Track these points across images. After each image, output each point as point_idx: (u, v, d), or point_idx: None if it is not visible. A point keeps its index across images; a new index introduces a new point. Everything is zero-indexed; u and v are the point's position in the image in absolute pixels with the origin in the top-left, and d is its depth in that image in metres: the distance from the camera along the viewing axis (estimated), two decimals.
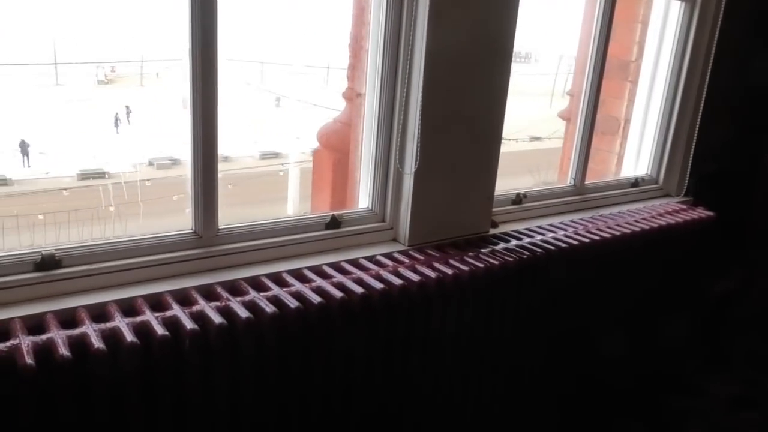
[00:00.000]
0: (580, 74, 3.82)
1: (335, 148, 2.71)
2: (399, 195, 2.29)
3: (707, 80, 3.19)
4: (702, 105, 3.23)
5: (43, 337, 1.48)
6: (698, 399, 3.32)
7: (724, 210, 3.26)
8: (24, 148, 14.51)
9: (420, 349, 2.13)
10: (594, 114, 2.91)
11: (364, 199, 2.36)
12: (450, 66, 2.18)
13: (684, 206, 3.19)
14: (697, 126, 3.27)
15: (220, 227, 1.97)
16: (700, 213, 3.10)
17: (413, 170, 2.19)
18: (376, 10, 2.19)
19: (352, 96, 2.65)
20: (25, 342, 1.45)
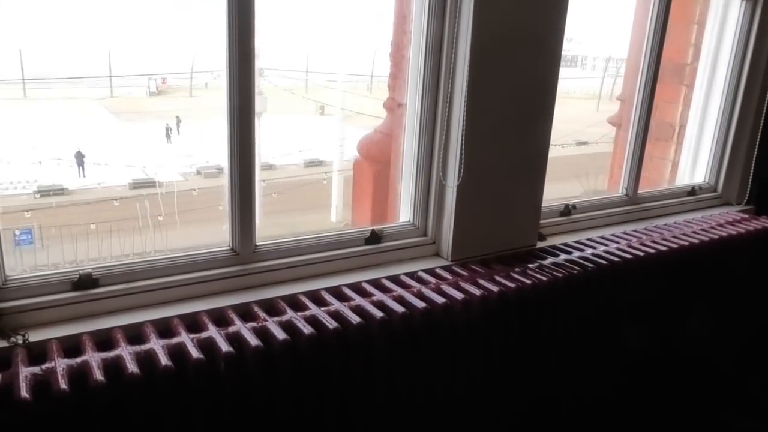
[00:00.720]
0: (631, 78, 3.66)
1: (376, 159, 2.65)
2: (442, 208, 2.21)
3: None
4: (765, 109, 3.03)
5: (79, 360, 1.46)
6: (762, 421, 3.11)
7: None
8: (80, 158, 14.99)
9: (463, 370, 2.04)
10: (647, 120, 2.77)
11: (405, 212, 2.29)
12: (494, 75, 2.09)
13: (746, 215, 3.00)
14: (759, 131, 3.07)
15: (257, 243, 1.93)
16: (765, 222, 2.91)
17: (457, 183, 2.11)
18: (417, 18, 2.13)
19: (393, 106, 2.58)
20: (61, 365, 1.43)
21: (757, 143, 3.09)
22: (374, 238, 2.14)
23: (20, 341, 1.53)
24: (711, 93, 3.15)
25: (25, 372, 1.40)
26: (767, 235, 2.86)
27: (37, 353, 1.50)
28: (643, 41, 2.92)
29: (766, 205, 3.17)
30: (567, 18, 2.21)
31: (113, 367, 1.46)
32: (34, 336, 1.55)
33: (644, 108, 2.75)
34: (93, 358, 1.47)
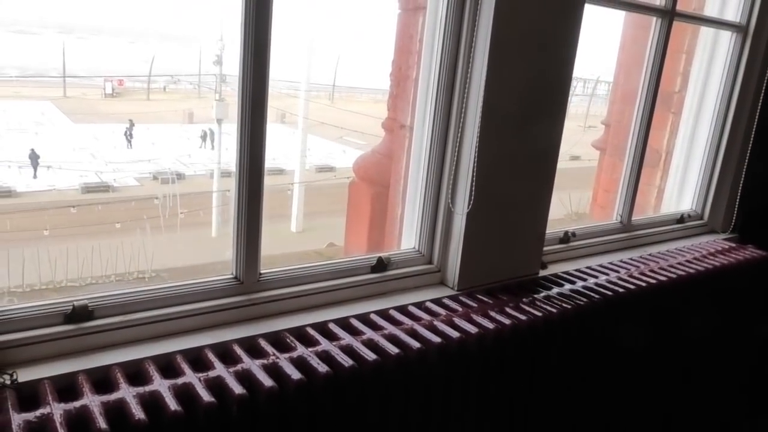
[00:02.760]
0: (618, 103, 3.70)
1: (374, 182, 2.56)
2: (449, 235, 2.14)
3: (758, 113, 3.05)
4: (752, 138, 3.08)
5: (77, 404, 1.32)
6: None
7: None
8: (34, 159, 14.51)
9: (476, 406, 1.96)
10: (644, 148, 2.77)
11: (409, 239, 2.21)
12: (508, 103, 2.04)
13: (733, 244, 3.03)
14: (746, 161, 3.12)
15: (261, 272, 1.82)
16: (753, 252, 2.94)
17: (467, 210, 2.04)
18: (429, 40, 2.06)
19: (394, 127, 2.51)
20: (58, 411, 1.29)
21: (743, 173, 3.14)
22: (380, 266, 2.05)
23: (8, 381, 1.37)
24: (699, 121, 3.18)
25: (17, 419, 1.25)
26: (756, 264, 2.89)
27: (29, 395, 1.36)
28: (635, 67, 2.93)
29: (751, 234, 3.21)
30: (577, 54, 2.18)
31: (116, 413, 1.32)
32: (24, 375, 1.40)
33: (641, 136, 2.75)
34: (92, 401, 1.34)
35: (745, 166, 3.14)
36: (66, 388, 1.39)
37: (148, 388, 1.41)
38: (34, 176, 14.64)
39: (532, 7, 2.00)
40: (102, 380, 1.44)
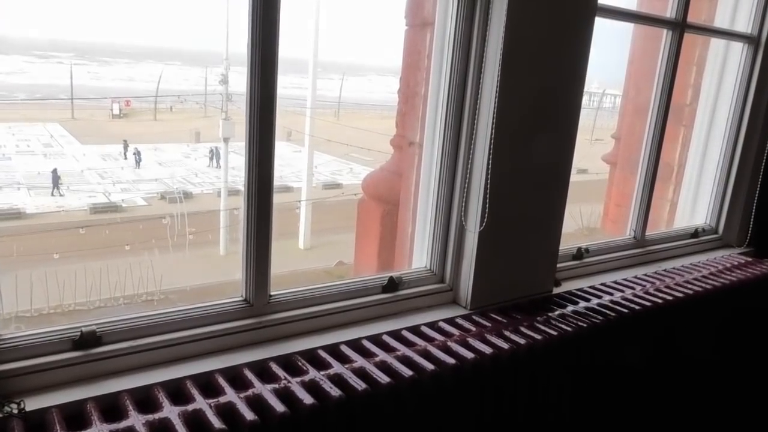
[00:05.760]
0: (628, 116, 3.66)
1: (383, 199, 2.54)
2: (461, 254, 2.10)
3: None
4: (766, 152, 3.04)
5: None
6: None
7: None
8: (55, 178, 14.78)
9: (491, 427, 1.91)
10: (657, 162, 2.73)
11: (420, 257, 2.17)
12: (520, 118, 2.01)
13: (749, 258, 2.97)
14: (761, 174, 3.07)
15: (271, 294, 1.79)
16: None
17: (480, 229, 2.01)
18: (437, 56, 2.04)
19: (403, 144, 2.48)
20: None
21: (758, 186, 3.09)
22: (392, 285, 2.01)
23: (15, 410, 1.34)
24: (711, 134, 3.14)
25: None
26: None
27: (36, 424, 1.33)
28: (645, 79, 2.91)
29: (766, 248, 3.16)
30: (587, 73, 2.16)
31: None
32: (32, 403, 1.37)
33: (653, 150, 2.71)
34: (101, 430, 1.30)
35: (759, 179, 3.09)
36: (74, 416, 1.36)
37: (158, 416, 1.37)
38: (59, 194, 14.84)
39: (543, 21, 1.98)
40: (111, 407, 1.41)
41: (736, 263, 2.88)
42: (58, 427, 1.30)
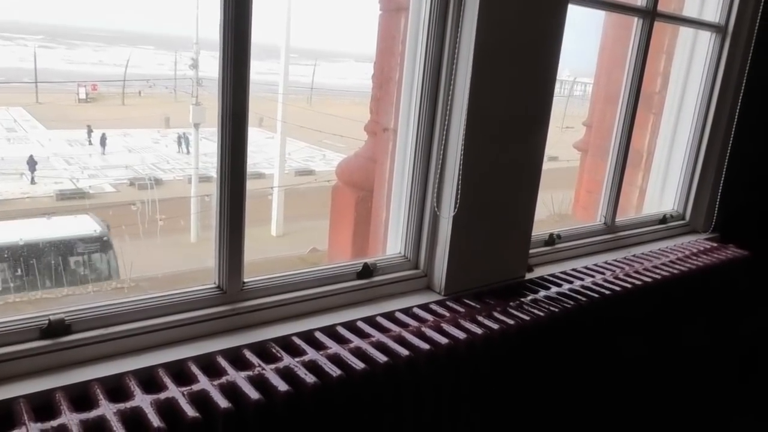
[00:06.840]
0: (599, 103, 3.70)
1: (357, 186, 2.53)
2: (435, 240, 2.11)
3: (737, 113, 3.07)
4: (731, 139, 3.10)
5: (54, 423, 1.27)
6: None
7: (754, 246, 3.12)
8: (32, 165, 14.40)
9: (467, 412, 1.93)
10: (627, 149, 2.77)
11: (395, 244, 2.17)
12: (493, 105, 2.02)
13: (714, 244, 3.05)
14: (726, 161, 3.14)
15: (245, 280, 1.77)
16: (734, 252, 2.96)
17: (453, 214, 2.01)
18: (412, 41, 2.03)
19: (377, 130, 2.48)
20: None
21: (723, 173, 3.16)
22: (366, 272, 2.01)
23: None
24: (680, 122, 3.20)
25: None
26: (738, 263, 2.90)
27: (3, 415, 1.30)
28: (617, 69, 2.94)
29: (731, 234, 3.24)
30: (562, 48, 2.17)
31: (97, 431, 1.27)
32: None
33: (624, 137, 2.75)
34: (71, 420, 1.28)
35: (725, 166, 3.16)
36: (43, 406, 1.34)
37: (129, 405, 1.36)
38: (32, 182, 14.45)
39: (516, 8, 1.99)
40: (81, 397, 1.39)
41: (702, 248, 2.95)
42: (26, 417, 1.27)
